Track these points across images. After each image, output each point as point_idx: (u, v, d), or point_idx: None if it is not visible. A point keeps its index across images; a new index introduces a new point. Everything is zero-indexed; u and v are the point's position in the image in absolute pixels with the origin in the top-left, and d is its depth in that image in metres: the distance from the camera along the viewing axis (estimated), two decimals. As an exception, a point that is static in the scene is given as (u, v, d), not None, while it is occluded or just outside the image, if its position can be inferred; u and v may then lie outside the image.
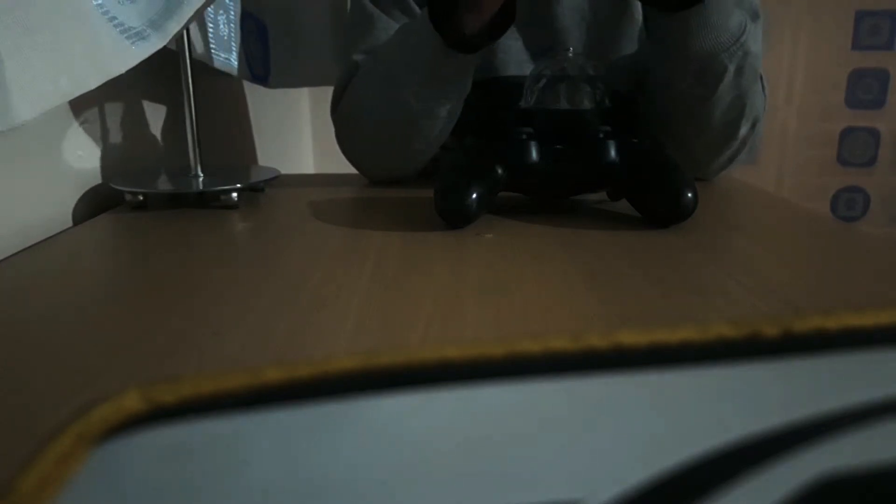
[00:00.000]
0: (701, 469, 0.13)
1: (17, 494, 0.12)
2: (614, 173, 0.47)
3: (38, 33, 0.36)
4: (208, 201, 0.55)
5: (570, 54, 0.51)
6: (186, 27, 0.51)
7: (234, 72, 0.78)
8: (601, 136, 0.46)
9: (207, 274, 0.36)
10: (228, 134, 0.94)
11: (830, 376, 0.15)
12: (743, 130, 0.60)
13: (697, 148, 0.61)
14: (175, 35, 0.47)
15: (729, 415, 0.14)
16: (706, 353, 0.15)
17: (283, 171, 0.63)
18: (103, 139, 0.58)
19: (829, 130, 1.70)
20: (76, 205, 0.53)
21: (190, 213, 0.52)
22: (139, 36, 0.44)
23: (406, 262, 0.38)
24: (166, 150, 0.70)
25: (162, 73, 0.65)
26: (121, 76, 0.42)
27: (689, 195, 0.44)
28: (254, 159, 1.05)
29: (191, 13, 0.47)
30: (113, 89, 0.59)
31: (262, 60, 0.88)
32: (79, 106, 0.54)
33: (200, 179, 0.57)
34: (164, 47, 0.46)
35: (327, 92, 0.67)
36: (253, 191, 0.60)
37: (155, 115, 0.69)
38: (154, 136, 0.68)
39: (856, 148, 1.70)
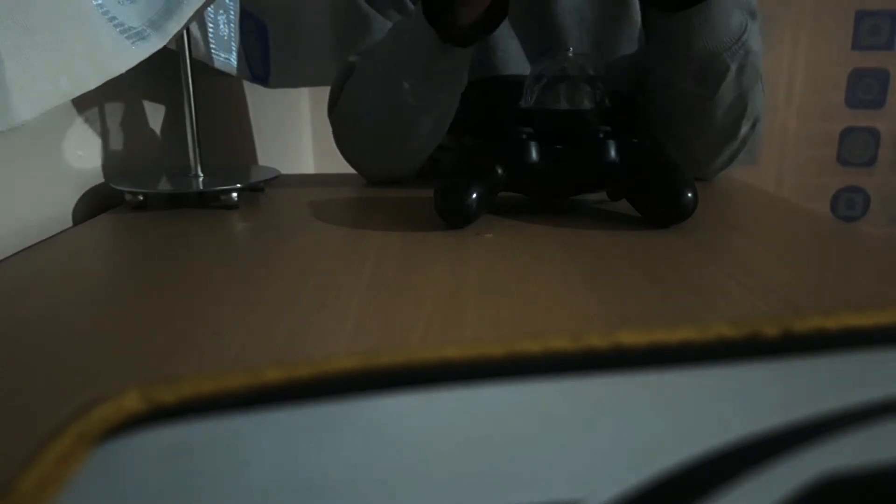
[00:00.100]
0: (701, 469, 0.13)
1: (17, 494, 0.12)
2: (614, 173, 0.47)
3: (38, 33, 0.36)
4: (208, 201, 0.55)
5: (570, 54, 0.51)
6: (186, 27, 0.51)
7: (234, 72, 0.78)
8: (601, 136, 0.47)
9: (207, 274, 0.36)
10: (228, 134, 0.94)
11: (830, 376, 0.15)
12: (744, 130, 0.60)
13: (698, 148, 0.61)
14: (175, 35, 0.47)
15: (729, 415, 0.14)
16: (706, 353, 0.15)
17: (283, 171, 0.63)
18: (103, 139, 0.58)
19: (829, 130, 1.70)
20: (76, 205, 0.53)
21: (190, 213, 0.52)
22: (139, 36, 0.44)
23: (406, 262, 0.38)
24: (166, 150, 0.70)
25: (162, 73, 0.65)
26: (121, 76, 0.42)
27: (689, 195, 0.44)
28: (254, 159, 1.05)
29: (191, 13, 0.47)
30: (113, 89, 0.59)
31: (262, 60, 0.88)
32: (79, 106, 0.54)
33: (200, 179, 0.57)
34: (164, 47, 0.46)
35: (327, 92, 0.67)
36: (253, 191, 0.60)
37: (155, 115, 0.69)
38: (154, 136, 0.68)
39: (856, 148, 1.70)
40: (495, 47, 0.65)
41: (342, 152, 0.65)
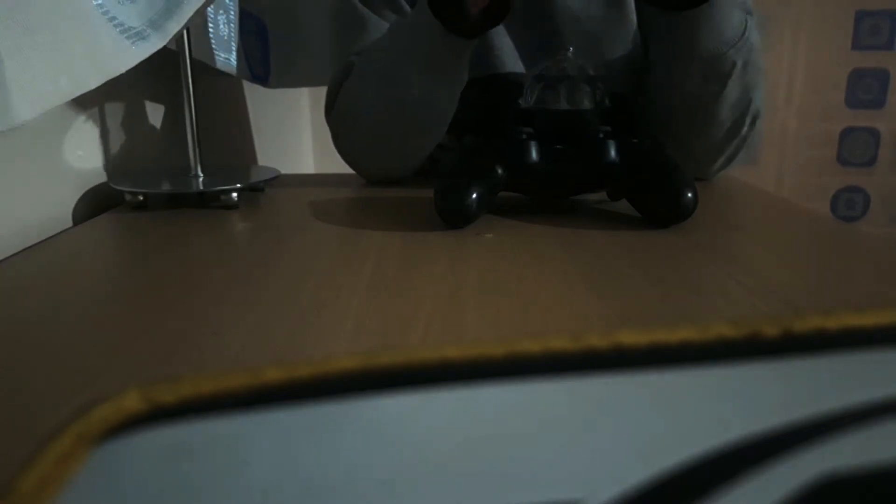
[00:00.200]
0: (701, 469, 0.13)
1: (17, 494, 0.12)
2: (614, 173, 0.47)
3: (38, 33, 0.36)
4: (208, 201, 0.55)
5: (570, 54, 0.51)
6: (186, 27, 0.51)
7: (234, 72, 0.78)
8: (601, 136, 0.47)
9: (207, 274, 0.36)
10: (228, 134, 0.94)
11: (830, 376, 0.15)
12: (746, 127, 0.60)
13: (699, 147, 0.61)
14: (175, 35, 0.47)
15: (729, 415, 0.14)
16: (706, 353, 0.15)
17: (283, 171, 0.63)
18: (103, 139, 0.58)
19: (829, 130, 1.70)
20: (76, 205, 0.53)
21: (190, 213, 0.52)
22: (139, 36, 0.44)
23: (406, 262, 0.38)
24: (166, 150, 0.70)
25: (162, 73, 0.65)
26: (121, 76, 0.42)
27: (689, 195, 0.44)
28: (254, 159, 1.05)
29: (191, 13, 0.47)
30: (113, 89, 0.59)
31: (262, 60, 0.88)
32: (79, 106, 0.54)
33: (200, 179, 0.57)
34: (164, 47, 0.46)
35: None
36: (253, 191, 0.60)
37: (155, 115, 0.69)
38: (154, 136, 0.68)
39: (856, 148, 1.70)
40: (492, 45, 0.65)
41: (340, 152, 0.65)
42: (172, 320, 0.29)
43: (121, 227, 0.48)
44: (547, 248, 0.40)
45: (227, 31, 0.75)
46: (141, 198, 0.53)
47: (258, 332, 0.28)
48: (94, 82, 0.40)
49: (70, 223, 0.51)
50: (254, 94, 1.02)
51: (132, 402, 0.14)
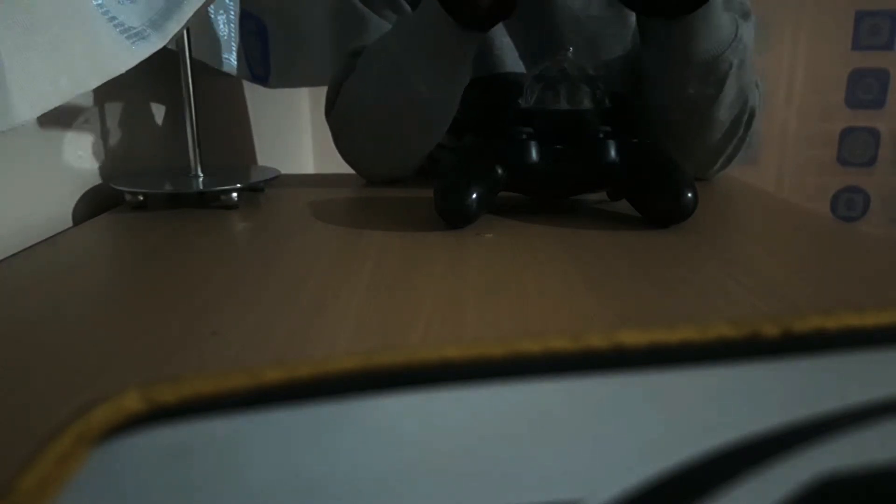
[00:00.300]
0: (701, 469, 0.13)
1: (17, 494, 0.12)
2: (614, 173, 0.47)
3: (38, 33, 0.36)
4: (208, 201, 0.55)
5: (570, 54, 0.51)
6: (186, 27, 0.51)
7: (234, 72, 0.78)
8: (601, 136, 0.47)
9: (207, 274, 0.36)
10: (228, 134, 0.94)
11: (830, 376, 0.15)
12: (743, 126, 0.60)
13: (699, 149, 0.61)
14: (175, 35, 0.47)
15: (729, 415, 0.14)
16: (706, 353, 0.15)
17: (283, 171, 0.63)
18: (103, 139, 0.58)
19: (829, 130, 1.70)
20: (76, 205, 0.53)
21: (190, 213, 0.52)
22: (139, 36, 0.44)
23: (406, 262, 0.38)
24: (166, 150, 0.70)
25: (162, 73, 0.65)
26: (121, 76, 0.42)
27: (689, 195, 0.44)
28: (254, 159, 1.05)
29: (191, 13, 0.47)
30: (113, 89, 0.59)
31: (262, 60, 0.88)
32: (79, 106, 0.54)
33: (200, 179, 0.57)
34: (164, 47, 0.46)
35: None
36: (253, 191, 0.60)
37: (155, 115, 0.69)
38: (154, 136, 0.68)
39: (856, 148, 1.70)
40: (492, 45, 0.65)
41: (341, 152, 0.65)
42: (172, 320, 0.29)
43: (121, 227, 0.48)
44: (547, 248, 0.40)
45: (227, 31, 0.75)
46: (141, 198, 0.53)
47: (258, 332, 0.28)
48: (94, 82, 0.40)
49: (70, 223, 0.51)
50: (254, 94, 1.02)
51: (132, 402, 0.14)
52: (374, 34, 0.63)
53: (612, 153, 0.46)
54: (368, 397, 0.14)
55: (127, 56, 0.43)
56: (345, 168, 0.68)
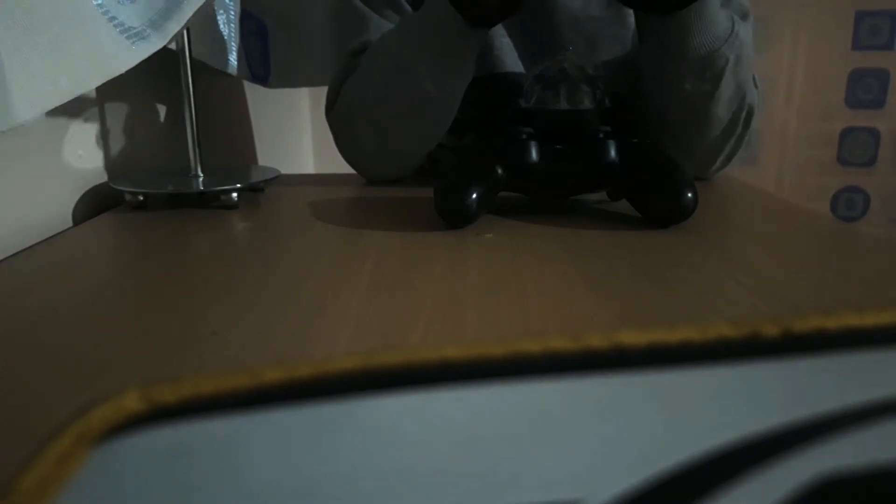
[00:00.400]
0: (701, 469, 0.13)
1: (17, 494, 0.12)
2: (614, 173, 0.47)
3: (38, 33, 0.36)
4: (208, 201, 0.55)
5: (570, 54, 0.51)
6: (186, 27, 0.51)
7: (234, 72, 0.78)
8: (601, 136, 0.47)
9: (207, 274, 0.36)
10: (228, 134, 0.94)
11: (830, 376, 0.15)
12: (741, 124, 0.60)
13: (698, 147, 0.61)
14: (175, 35, 0.47)
15: (729, 415, 0.14)
16: (706, 353, 0.15)
17: (283, 171, 0.63)
18: (103, 139, 0.58)
19: (829, 130, 1.70)
20: (76, 205, 0.53)
21: (190, 213, 0.52)
22: (139, 36, 0.44)
23: (406, 262, 0.38)
24: (166, 150, 0.70)
25: (162, 73, 0.65)
26: (121, 76, 0.42)
27: (689, 195, 0.44)
28: (254, 159, 1.05)
29: (191, 13, 0.47)
30: (113, 89, 0.59)
31: (262, 60, 0.88)
32: (79, 106, 0.54)
33: (200, 179, 0.57)
34: (165, 47, 0.46)
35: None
36: (253, 191, 0.60)
37: (155, 115, 0.69)
38: (154, 136, 0.68)
39: (856, 148, 1.70)
40: (492, 45, 0.65)
41: (341, 151, 0.65)
42: (172, 320, 0.29)
43: (121, 227, 0.48)
44: (547, 248, 0.40)
45: (227, 31, 0.76)
46: (141, 198, 0.53)
47: (258, 332, 0.28)
48: (94, 82, 0.40)
49: (70, 223, 0.51)
50: (254, 94, 1.02)
51: (132, 402, 0.14)
52: (374, 34, 0.63)
53: (612, 153, 0.46)
54: (368, 397, 0.14)
55: (127, 56, 0.43)
56: (345, 168, 0.68)
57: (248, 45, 0.83)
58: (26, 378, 0.24)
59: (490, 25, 0.56)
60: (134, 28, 0.44)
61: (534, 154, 0.47)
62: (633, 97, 0.64)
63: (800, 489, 0.13)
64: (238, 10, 0.79)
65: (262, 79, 0.89)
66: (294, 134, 1.41)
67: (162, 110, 0.70)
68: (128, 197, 0.53)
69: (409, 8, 0.66)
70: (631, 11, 0.66)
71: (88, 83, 0.40)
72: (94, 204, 0.55)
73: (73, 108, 0.53)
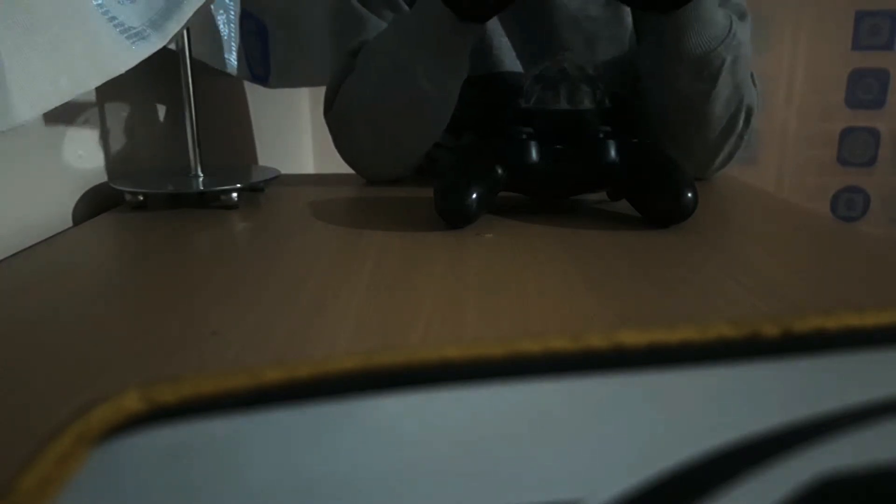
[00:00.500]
0: (701, 469, 0.13)
1: (17, 494, 0.12)
2: (614, 173, 0.47)
3: (38, 33, 0.36)
4: (208, 201, 0.55)
5: (570, 54, 0.51)
6: (186, 27, 0.51)
7: (234, 72, 0.78)
8: (601, 136, 0.47)
9: (207, 274, 0.36)
10: (228, 134, 0.94)
11: (830, 376, 0.15)
12: (741, 123, 0.60)
13: (698, 146, 0.61)
14: (175, 35, 0.47)
15: (729, 415, 0.14)
16: (706, 353, 0.15)
17: (283, 171, 0.63)
18: (103, 139, 0.58)
19: (829, 130, 1.70)
20: (76, 205, 0.53)
21: (190, 213, 0.52)
22: (139, 36, 0.44)
23: (406, 262, 0.38)
24: (166, 150, 0.70)
25: (162, 73, 0.65)
26: (121, 76, 0.42)
27: (689, 195, 0.44)
28: (254, 159, 1.05)
29: (191, 13, 0.47)
30: (113, 89, 0.59)
31: (262, 60, 0.88)
32: (79, 106, 0.54)
33: (200, 179, 0.57)
34: (164, 47, 0.46)
35: (327, 92, 0.67)
36: (253, 191, 0.60)
37: (155, 115, 0.69)
38: (154, 136, 0.68)
39: (856, 148, 1.70)
40: (490, 44, 0.66)
41: (340, 151, 0.65)
42: (172, 320, 0.29)
43: (121, 227, 0.48)
44: (547, 248, 0.40)
45: (227, 31, 0.76)
46: (141, 198, 0.53)
47: (258, 332, 0.28)
48: (94, 82, 0.40)
49: (70, 223, 0.51)
50: (254, 94, 1.02)
51: (132, 402, 0.14)
52: (373, 34, 0.63)
53: (612, 153, 0.46)
54: (368, 397, 0.14)
55: (127, 56, 0.43)
56: (345, 168, 0.68)
57: (248, 45, 0.83)
58: (26, 378, 0.24)
59: (483, 20, 0.55)
60: (134, 28, 0.44)
61: (534, 154, 0.47)
62: (633, 97, 0.64)
63: (800, 489, 0.13)
64: (238, 10, 0.79)
65: (262, 79, 0.89)
66: (294, 134, 1.41)
67: (162, 110, 0.70)
68: (128, 197, 0.53)
69: (406, 8, 0.66)
70: (628, 11, 0.66)
71: (88, 83, 0.40)
72: (94, 204, 0.55)
73: (73, 108, 0.53)
